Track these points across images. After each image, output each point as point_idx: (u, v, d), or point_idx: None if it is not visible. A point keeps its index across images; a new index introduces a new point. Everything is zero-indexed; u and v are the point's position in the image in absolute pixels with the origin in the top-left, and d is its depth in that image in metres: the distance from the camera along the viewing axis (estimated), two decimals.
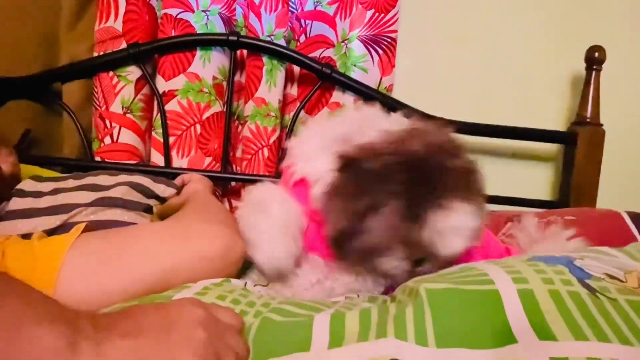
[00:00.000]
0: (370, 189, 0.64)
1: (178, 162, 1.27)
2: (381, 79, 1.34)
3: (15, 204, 0.80)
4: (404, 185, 0.64)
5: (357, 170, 0.66)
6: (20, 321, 0.41)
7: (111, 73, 1.25)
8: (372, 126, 0.70)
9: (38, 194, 0.82)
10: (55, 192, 0.83)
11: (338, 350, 0.50)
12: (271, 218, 0.72)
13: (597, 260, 0.61)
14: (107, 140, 1.26)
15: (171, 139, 1.26)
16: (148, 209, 0.85)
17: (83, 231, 0.70)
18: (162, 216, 0.90)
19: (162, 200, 0.91)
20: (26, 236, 0.71)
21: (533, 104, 1.50)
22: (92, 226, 0.73)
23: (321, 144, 0.73)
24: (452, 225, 0.65)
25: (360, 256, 0.67)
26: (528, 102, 1.49)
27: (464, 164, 0.68)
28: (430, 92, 1.47)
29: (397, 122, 0.72)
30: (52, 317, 0.43)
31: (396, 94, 1.38)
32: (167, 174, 1.19)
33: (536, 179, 1.52)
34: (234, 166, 1.37)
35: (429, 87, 1.48)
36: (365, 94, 1.31)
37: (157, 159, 1.27)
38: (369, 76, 1.33)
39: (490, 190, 1.31)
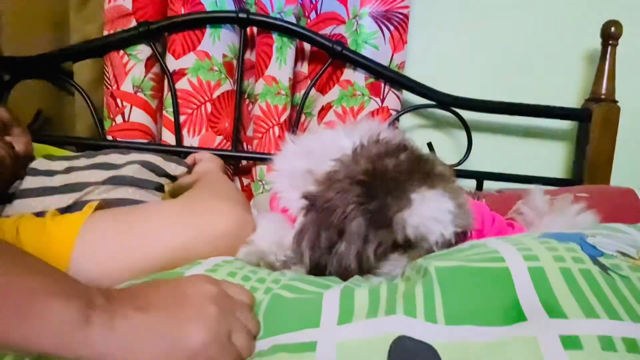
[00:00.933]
0: (333, 218, 0.66)
1: (189, 141, 1.27)
2: (393, 56, 1.32)
3: (29, 182, 0.81)
4: (361, 201, 0.65)
5: (319, 206, 0.68)
6: (33, 294, 0.42)
7: (121, 52, 1.25)
8: (329, 155, 0.72)
9: (51, 173, 0.83)
10: (67, 170, 0.84)
11: (347, 326, 0.50)
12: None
13: (610, 238, 0.61)
14: (119, 119, 1.26)
15: (182, 118, 1.26)
16: (159, 188, 0.86)
17: (95, 209, 0.71)
18: (174, 195, 0.90)
19: (173, 178, 0.91)
20: (40, 214, 0.72)
21: (547, 80, 1.47)
22: (104, 204, 0.74)
23: (292, 180, 0.76)
24: (426, 215, 0.65)
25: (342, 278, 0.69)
26: (542, 78, 1.47)
27: (410, 155, 0.69)
28: (442, 69, 1.45)
29: (348, 145, 0.73)
30: (65, 291, 0.43)
31: (408, 72, 1.36)
32: (178, 152, 1.20)
33: (550, 157, 1.50)
34: (244, 145, 1.37)
35: (441, 64, 1.46)
36: (377, 71, 1.29)
37: (168, 137, 1.28)
38: (381, 53, 1.31)
39: (503, 168, 1.33)
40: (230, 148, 1.30)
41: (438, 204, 0.66)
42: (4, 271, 0.42)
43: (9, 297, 0.41)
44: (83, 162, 0.86)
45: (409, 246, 0.67)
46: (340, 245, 0.66)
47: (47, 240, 0.65)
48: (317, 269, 0.67)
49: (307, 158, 0.75)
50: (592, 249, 0.57)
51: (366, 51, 1.30)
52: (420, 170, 0.67)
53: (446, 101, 1.33)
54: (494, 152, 1.45)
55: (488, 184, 1.35)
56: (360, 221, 0.65)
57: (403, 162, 0.67)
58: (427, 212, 0.65)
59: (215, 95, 1.27)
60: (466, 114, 1.35)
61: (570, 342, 0.45)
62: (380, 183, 0.66)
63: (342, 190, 0.66)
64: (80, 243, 0.65)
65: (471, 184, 1.35)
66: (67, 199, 0.78)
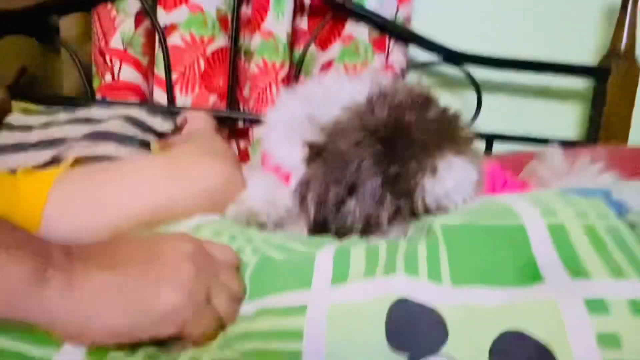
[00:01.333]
0: (344, 173, 0.59)
1: (182, 100, 1.21)
2: (398, 8, 1.24)
3: (4, 138, 0.75)
4: (380, 160, 0.58)
5: (326, 157, 0.61)
6: None
7: (109, 5, 1.18)
8: (334, 101, 0.64)
9: (27, 128, 0.78)
10: (45, 125, 0.78)
11: (341, 287, 0.45)
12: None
13: (637, 195, 0.55)
14: (108, 77, 1.19)
15: (174, 76, 1.19)
16: (145, 144, 0.80)
17: (72, 166, 0.65)
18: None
19: (160, 135, 0.86)
20: (14, 171, 0.67)
21: (562, 35, 1.38)
22: (84, 162, 0.69)
23: (288, 131, 0.67)
24: (450, 186, 0.59)
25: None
26: (557, 33, 1.38)
27: (439, 113, 0.62)
28: (450, 23, 1.36)
29: (359, 91, 0.65)
30: (19, 245, 0.38)
31: (414, 26, 1.28)
32: (171, 112, 1.13)
33: (564, 118, 1.42)
34: (241, 105, 1.30)
35: (449, 17, 1.37)
36: (381, 25, 1.21)
37: (160, 97, 1.21)
38: (385, 6, 1.23)
39: (514, 129, 1.26)
40: (225, 108, 1.24)
41: (464, 174, 0.59)
42: None
43: None
44: (62, 116, 0.81)
45: (425, 213, 0.60)
46: (350, 203, 0.59)
47: (17, 198, 0.60)
48: (321, 227, 0.61)
49: (307, 104, 0.68)
50: (618, 205, 0.51)
51: (370, 3, 1.22)
52: (449, 132, 0.60)
53: (455, 57, 1.25)
54: (504, 112, 1.37)
55: (498, 146, 1.28)
56: (377, 182, 0.58)
57: (431, 120, 0.60)
58: (452, 182, 0.58)
59: (209, 52, 1.19)
60: (476, 71, 1.27)
61: (596, 306, 0.39)
62: (403, 142, 0.58)
63: (357, 143, 0.59)
64: (53, 199, 0.59)
65: (480, 145, 1.28)
66: (45, 156, 0.73)
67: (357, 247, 0.50)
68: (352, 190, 0.59)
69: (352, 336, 0.41)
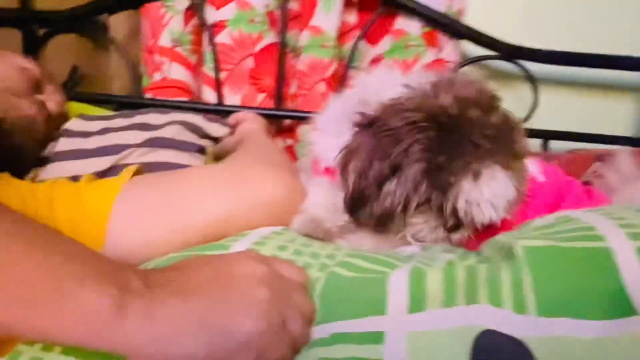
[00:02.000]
0: (391, 150, 0.56)
1: (230, 99, 1.20)
2: (451, 2, 1.20)
3: (63, 144, 0.76)
4: (430, 146, 0.55)
5: (376, 130, 0.58)
6: (62, 279, 0.36)
7: (159, 3, 1.18)
8: (391, 86, 0.61)
9: (86, 134, 0.78)
10: (104, 131, 0.78)
11: (420, 315, 0.43)
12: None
13: None
14: (157, 76, 1.20)
15: (222, 74, 1.19)
16: (201, 150, 0.79)
17: (133, 174, 0.65)
18: (217, 158, 0.84)
19: (215, 140, 0.85)
20: (75, 178, 0.68)
21: (620, 29, 1.31)
22: (144, 168, 0.68)
23: (337, 117, 0.65)
24: (486, 197, 0.56)
25: (379, 222, 0.60)
26: (615, 27, 1.31)
27: (502, 120, 0.58)
28: (506, 16, 1.31)
29: (420, 77, 0.62)
30: (98, 275, 0.38)
31: (468, 19, 1.24)
32: (219, 112, 1.13)
33: (625, 115, 1.36)
34: (288, 102, 1.29)
35: (505, 10, 1.32)
36: (433, 19, 1.18)
37: (209, 95, 1.21)
38: None
39: (571, 126, 1.21)
40: (273, 106, 1.22)
41: (503, 188, 0.57)
42: (30, 254, 0.37)
43: (36, 282, 0.36)
44: (120, 122, 0.81)
45: (453, 220, 0.59)
46: (391, 183, 0.57)
47: (82, 209, 0.60)
48: (358, 200, 0.59)
49: (361, 91, 0.65)
50: None
51: None
52: (505, 142, 0.58)
53: (510, 52, 1.21)
54: (561, 108, 1.32)
55: (554, 144, 1.24)
56: (421, 167, 0.56)
57: (493, 124, 0.57)
58: (489, 193, 0.56)
59: (257, 49, 1.18)
60: (532, 66, 1.22)
61: None
62: (459, 137, 0.56)
63: (412, 122, 0.56)
64: (117, 212, 0.59)
65: (535, 143, 1.24)
66: (104, 162, 0.73)
67: (433, 270, 0.48)
68: (395, 169, 0.57)
69: None
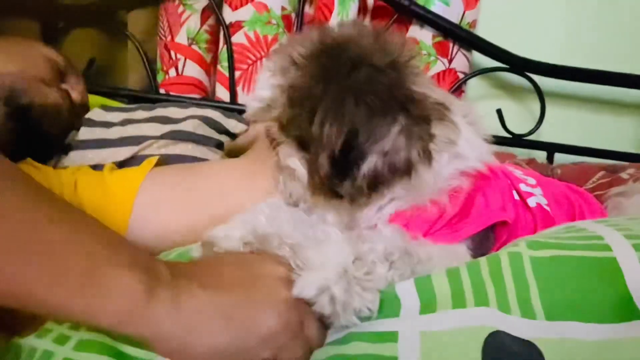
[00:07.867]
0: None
1: (243, 97, 1.22)
2: (464, 13, 1.22)
3: (85, 133, 0.78)
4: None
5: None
6: (97, 263, 0.38)
7: (177, 1, 1.19)
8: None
9: (107, 124, 0.80)
10: (124, 122, 0.80)
11: (431, 316, 0.45)
12: None
13: None
14: (172, 72, 1.21)
15: (237, 74, 1.21)
16: (219, 145, 0.81)
17: (155, 165, 0.67)
18: (231, 154, 0.86)
19: (232, 136, 0.87)
20: (96, 167, 0.69)
21: (629, 46, 1.33)
22: (163, 160, 0.70)
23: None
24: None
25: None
26: (624, 44, 1.33)
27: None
28: (516, 29, 1.33)
29: None
30: (130, 261, 0.39)
31: (480, 31, 1.26)
32: (232, 109, 1.14)
33: (630, 131, 1.37)
34: None
35: (516, 24, 1.34)
36: (446, 29, 1.20)
37: (222, 94, 1.23)
38: (451, 10, 1.21)
39: (577, 141, 1.23)
40: None
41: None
42: (66, 236, 0.38)
43: (71, 264, 0.37)
44: (140, 114, 0.83)
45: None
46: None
47: (106, 197, 0.62)
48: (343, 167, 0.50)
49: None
50: None
51: (436, 7, 1.20)
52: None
53: (520, 64, 1.23)
54: (567, 123, 1.34)
55: (559, 157, 1.25)
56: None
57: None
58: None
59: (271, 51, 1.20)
60: (540, 80, 1.24)
61: None
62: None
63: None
64: (140, 202, 0.61)
65: (541, 155, 1.25)
66: (125, 152, 0.75)
67: (437, 272, 0.49)
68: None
69: None
